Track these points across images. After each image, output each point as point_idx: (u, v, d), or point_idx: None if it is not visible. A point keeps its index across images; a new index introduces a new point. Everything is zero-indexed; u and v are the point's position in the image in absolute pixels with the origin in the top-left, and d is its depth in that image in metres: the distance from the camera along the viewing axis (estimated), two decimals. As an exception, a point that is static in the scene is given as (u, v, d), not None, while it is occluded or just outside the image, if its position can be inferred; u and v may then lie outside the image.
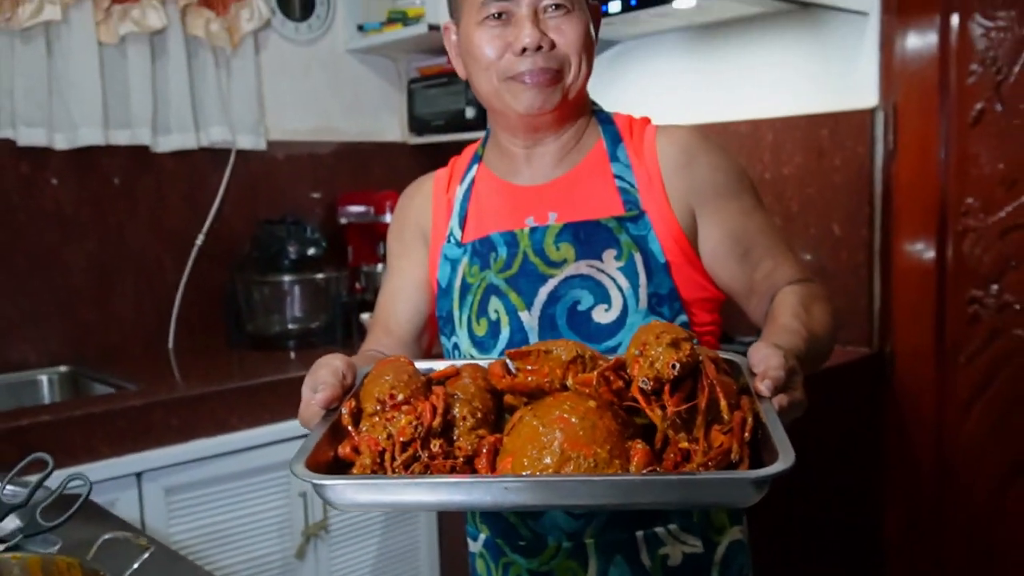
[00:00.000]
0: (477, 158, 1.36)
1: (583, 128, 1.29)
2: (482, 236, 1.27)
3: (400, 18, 2.99)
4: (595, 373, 0.91)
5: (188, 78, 2.75)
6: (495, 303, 1.25)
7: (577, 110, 1.27)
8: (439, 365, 1.10)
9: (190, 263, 2.83)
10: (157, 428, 2.16)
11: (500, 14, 1.19)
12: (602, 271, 1.20)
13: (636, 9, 2.29)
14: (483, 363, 1.08)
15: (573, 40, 1.19)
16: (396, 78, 3.32)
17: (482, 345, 1.26)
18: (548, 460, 0.87)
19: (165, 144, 2.73)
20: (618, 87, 2.83)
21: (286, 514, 2.34)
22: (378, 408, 0.95)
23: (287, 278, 2.79)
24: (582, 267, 1.21)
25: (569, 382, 0.96)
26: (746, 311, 1.29)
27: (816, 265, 2.44)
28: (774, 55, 2.52)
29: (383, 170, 3.26)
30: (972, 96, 2.13)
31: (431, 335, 1.40)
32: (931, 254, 2.24)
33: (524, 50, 1.17)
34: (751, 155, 2.55)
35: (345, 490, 0.86)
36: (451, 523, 2.57)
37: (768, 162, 2.52)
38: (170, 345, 2.80)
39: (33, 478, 1.24)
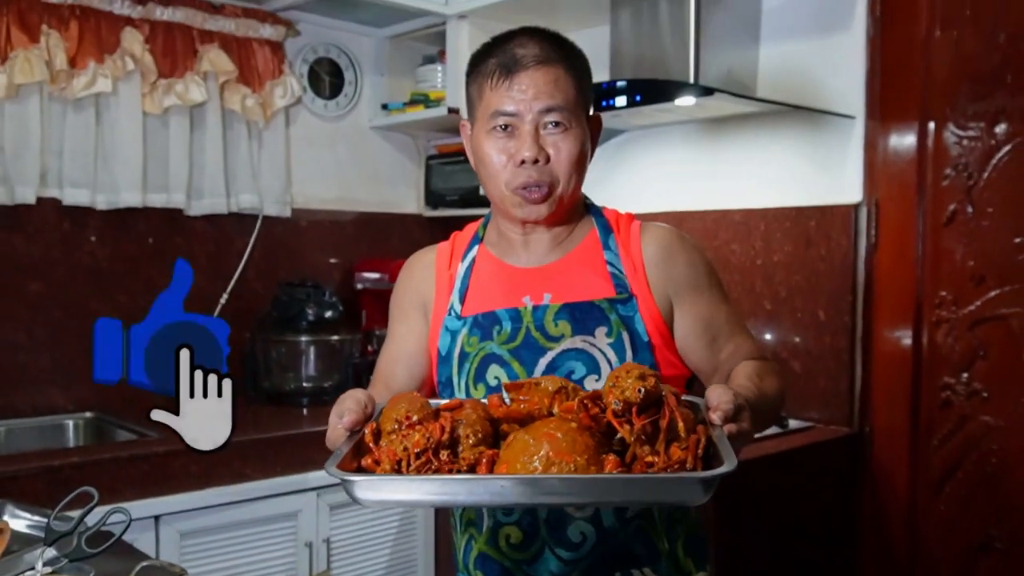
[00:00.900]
0: (478, 239, 1.52)
1: (576, 220, 1.48)
2: (484, 311, 1.43)
3: (422, 100, 3.21)
4: (576, 400, 1.11)
5: (223, 148, 2.96)
6: (496, 370, 1.40)
7: (569, 210, 1.46)
8: (444, 401, 1.28)
9: (213, 320, 2.99)
10: (177, 474, 2.29)
11: (507, 126, 1.38)
12: (594, 346, 1.37)
13: (640, 104, 2.47)
14: (483, 400, 1.26)
15: (566, 158, 1.37)
16: (415, 154, 3.53)
17: None
18: (536, 464, 1.04)
19: (198, 208, 2.93)
20: (623, 172, 3.02)
21: (292, 562, 2.46)
22: (396, 427, 1.14)
23: (304, 338, 2.94)
24: (577, 342, 1.37)
25: (555, 409, 1.14)
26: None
27: (801, 347, 2.59)
28: (768, 151, 2.71)
29: (399, 240, 3.45)
30: (946, 197, 2.31)
31: (426, 395, 1.56)
32: (908, 341, 2.39)
33: (523, 161, 1.36)
34: (744, 242, 2.73)
35: (370, 485, 1.05)
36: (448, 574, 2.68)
37: (760, 249, 2.69)
38: (189, 397, 2.95)
39: (71, 513, 1.38)
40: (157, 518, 2.25)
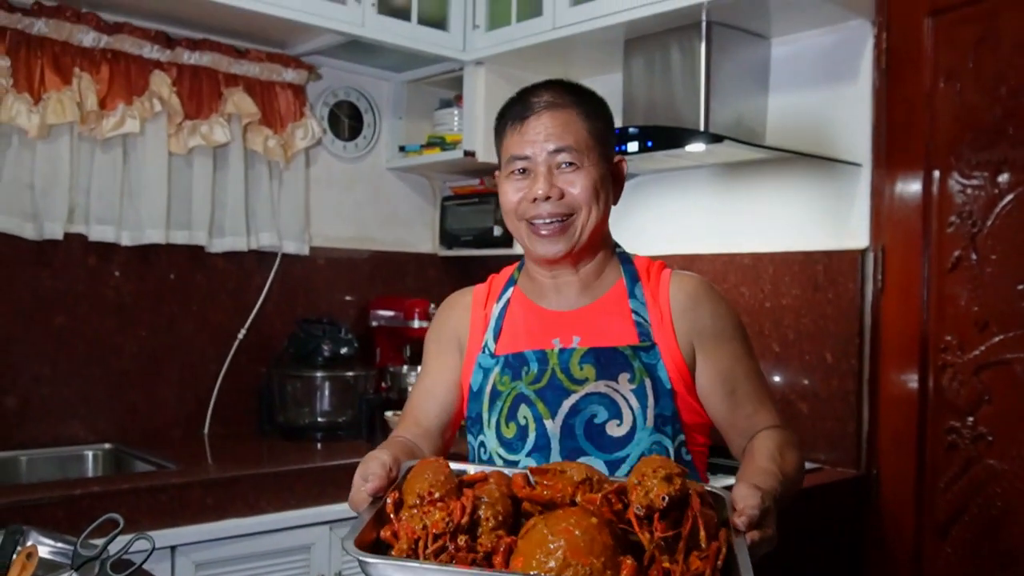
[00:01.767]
0: (513, 281, 1.59)
1: (603, 263, 1.53)
2: (515, 352, 1.48)
3: (439, 143, 3.29)
4: (600, 495, 1.11)
5: (244, 187, 3.04)
6: (524, 410, 1.45)
7: (593, 249, 1.50)
8: (471, 469, 1.30)
9: (231, 355, 3.06)
10: (193, 506, 2.33)
11: (524, 170, 1.46)
12: (617, 391, 1.42)
13: (652, 150, 2.54)
14: (508, 472, 1.27)
15: (580, 191, 1.43)
16: (431, 195, 3.61)
17: (510, 445, 1.46)
18: (552, 564, 1.02)
19: (219, 245, 3.00)
20: (636, 216, 3.08)
21: (304, 595, 2.50)
22: (417, 502, 1.14)
23: (319, 374, 3.00)
24: (600, 386, 1.42)
25: (578, 499, 1.13)
26: (726, 440, 1.51)
27: (809, 389, 2.63)
28: (777, 196, 2.76)
29: (414, 279, 3.52)
30: (951, 244, 2.36)
31: (453, 430, 1.61)
32: (914, 385, 2.43)
33: (536, 199, 1.43)
34: (753, 285, 2.78)
35: (385, 569, 1.04)
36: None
37: (768, 292, 2.74)
38: (205, 430, 3.01)
39: (95, 541, 1.43)
40: (173, 548, 2.29)
